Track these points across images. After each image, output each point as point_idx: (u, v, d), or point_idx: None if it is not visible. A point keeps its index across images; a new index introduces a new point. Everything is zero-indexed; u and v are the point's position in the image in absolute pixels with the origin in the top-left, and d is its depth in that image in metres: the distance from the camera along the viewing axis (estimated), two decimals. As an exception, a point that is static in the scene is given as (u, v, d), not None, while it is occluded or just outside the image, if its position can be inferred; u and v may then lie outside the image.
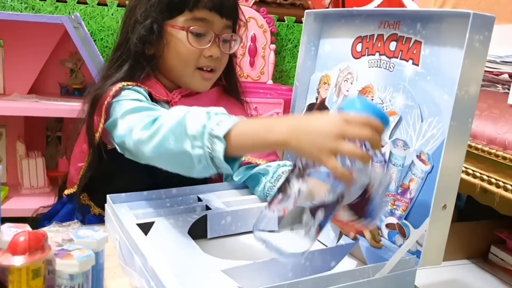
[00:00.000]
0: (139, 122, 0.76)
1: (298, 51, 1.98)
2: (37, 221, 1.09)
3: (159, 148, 0.71)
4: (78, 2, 1.73)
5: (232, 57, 1.03)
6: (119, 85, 0.87)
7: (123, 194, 0.88)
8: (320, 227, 0.61)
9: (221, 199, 0.91)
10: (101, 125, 0.87)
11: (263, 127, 0.65)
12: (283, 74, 2.00)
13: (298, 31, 1.98)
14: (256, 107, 1.56)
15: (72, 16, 1.60)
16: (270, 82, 1.90)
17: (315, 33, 0.99)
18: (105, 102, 0.86)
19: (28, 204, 1.43)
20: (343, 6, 1.87)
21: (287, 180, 0.63)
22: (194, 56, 0.93)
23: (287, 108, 1.60)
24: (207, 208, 0.88)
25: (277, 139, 0.62)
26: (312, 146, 0.59)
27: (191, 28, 0.90)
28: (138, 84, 0.90)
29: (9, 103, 1.44)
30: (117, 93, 0.86)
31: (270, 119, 0.64)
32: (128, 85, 0.88)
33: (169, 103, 0.94)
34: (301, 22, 1.98)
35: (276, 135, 0.62)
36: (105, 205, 0.88)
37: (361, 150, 0.59)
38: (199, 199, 0.92)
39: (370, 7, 0.91)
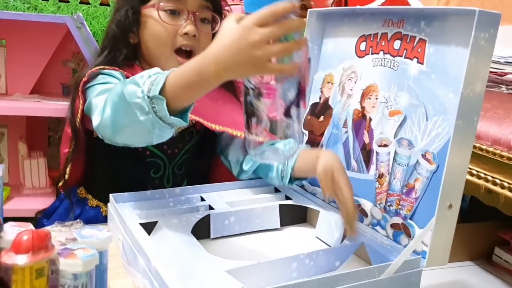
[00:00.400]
0: (100, 104, 0.78)
1: (300, 51, 1.98)
2: (37, 219, 1.09)
3: (115, 126, 0.74)
4: (80, 2, 1.73)
5: None
6: (95, 68, 0.90)
7: (126, 194, 0.88)
8: (299, 119, 0.65)
9: (225, 199, 0.91)
10: (80, 108, 0.89)
11: (192, 73, 0.65)
12: (285, 74, 1.99)
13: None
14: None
15: (75, 16, 1.60)
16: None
17: (318, 32, 0.99)
18: (81, 86, 0.89)
19: (30, 204, 1.44)
20: (346, 6, 1.86)
21: (250, 104, 0.64)
22: (169, 35, 0.93)
23: (289, 108, 1.59)
24: (210, 208, 0.88)
25: (209, 79, 0.64)
26: (245, 67, 0.60)
27: (161, 4, 0.92)
28: (116, 68, 0.91)
29: (11, 103, 1.44)
30: (92, 77, 0.89)
31: (196, 60, 0.65)
32: (104, 68, 0.90)
33: None
34: (304, 22, 1.97)
35: (207, 77, 0.63)
36: (108, 204, 0.88)
37: (285, 44, 0.59)
38: (202, 199, 0.92)
39: (374, 5, 0.90)
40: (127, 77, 0.90)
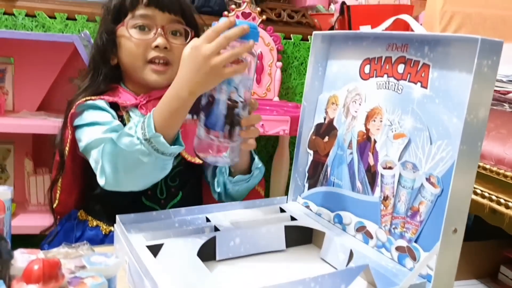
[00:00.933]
0: (98, 160, 0.87)
1: (304, 68, 2.01)
2: (38, 242, 1.11)
3: (121, 180, 0.85)
4: (87, 20, 1.75)
5: None
6: (82, 100, 0.96)
7: (132, 215, 0.88)
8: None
9: (230, 219, 0.91)
10: (69, 138, 0.97)
11: (172, 99, 0.78)
12: (289, 91, 2.01)
13: (304, 48, 1.99)
14: (262, 125, 1.56)
15: (82, 34, 1.62)
16: (276, 99, 1.91)
17: (322, 54, 1.00)
18: (69, 118, 0.96)
19: (35, 221, 1.44)
20: (349, 25, 1.88)
21: (238, 116, 0.80)
22: (141, 49, 0.98)
23: (293, 125, 1.60)
24: (216, 229, 0.88)
25: (187, 99, 0.77)
26: (209, 78, 0.74)
27: (130, 21, 0.97)
28: (101, 97, 0.97)
29: (17, 120, 1.45)
30: (79, 111, 0.96)
31: (171, 89, 0.78)
32: (90, 99, 0.96)
33: (137, 107, 1.00)
34: (307, 40, 2.00)
35: (185, 97, 0.77)
36: (114, 225, 0.88)
37: (232, 51, 0.73)
38: (208, 220, 0.92)
39: (378, 30, 0.91)
40: (111, 104, 0.97)
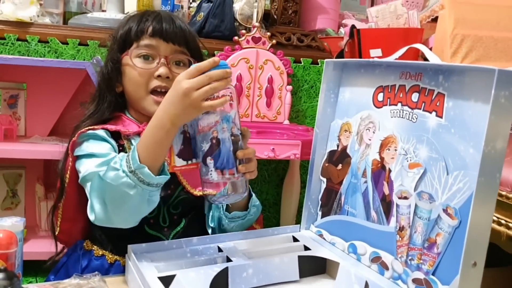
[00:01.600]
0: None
1: (314, 91, 2.01)
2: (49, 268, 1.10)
3: (109, 215, 0.85)
4: (99, 45, 1.77)
5: None
6: (85, 128, 0.97)
7: (143, 245, 0.88)
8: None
9: (242, 249, 0.90)
10: (70, 166, 0.98)
11: (154, 130, 0.81)
12: (299, 114, 2.00)
13: (314, 72, 1.99)
14: (273, 149, 1.56)
15: (94, 60, 1.63)
16: (286, 122, 1.90)
17: (334, 81, 1.00)
18: (70, 146, 0.98)
19: (45, 247, 1.42)
20: (359, 48, 1.88)
21: (241, 148, 0.84)
22: (144, 78, 0.99)
23: (304, 149, 1.59)
24: (228, 259, 0.87)
25: (169, 129, 0.80)
26: (188, 110, 0.78)
27: (134, 51, 0.99)
28: (103, 126, 0.98)
29: (29, 146, 1.46)
30: (80, 140, 0.97)
31: (153, 120, 0.82)
32: (93, 129, 0.97)
33: (140, 135, 1.00)
34: (317, 63, 2.00)
35: (166, 127, 0.80)
36: (126, 255, 0.87)
37: (210, 85, 0.77)
38: (220, 249, 0.91)
39: (390, 59, 0.91)
40: (113, 132, 0.99)
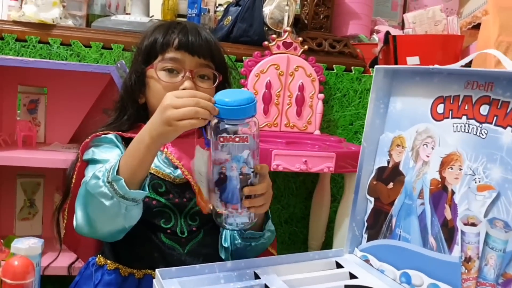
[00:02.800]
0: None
1: (347, 100, 1.91)
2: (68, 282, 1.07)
3: (88, 223, 0.84)
4: (123, 49, 1.70)
5: None
6: (100, 132, 0.98)
7: (173, 269, 0.79)
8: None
9: (282, 277, 0.81)
10: (77, 166, 0.98)
11: (135, 145, 0.80)
12: (330, 124, 1.90)
13: (347, 79, 1.89)
14: (306, 161, 1.46)
15: (118, 65, 1.55)
16: (317, 132, 1.81)
17: (384, 89, 0.90)
18: (81, 147, 0.98)
19: (63, 261, 1.34)
20: (395, 55, 1.79)
21: (251, 184, 0.80)
22: (168, 91, 0.92)
23: (339, 162, 1.49)
24: (266, 287, 0.78)
25: (149, 145, 0.78)
26: (164, 131, 0.76)
27: (159, 64, 0.98)
28: (118, 132, 0.98)
29: (48, 154, 1.38)
30: (92, 144, 0.98)
31: (138, 135, 0.81)
32: (107, 133, 0.98)
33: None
34: (350, 71, 1.90)
35: (146, 143, 0.78)
36: (154, 280, 0.79)
37: (190, 108, 0.74)
38: (256, 275, 0.82)
39: (455, 66, 0.81)
40: (128, 138, 0.95)
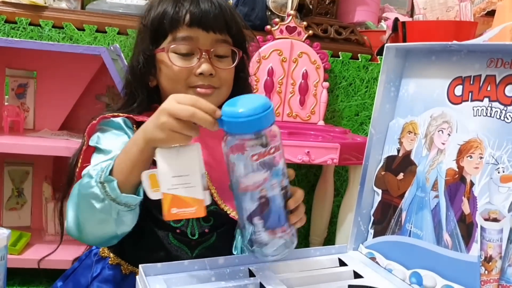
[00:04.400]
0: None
1: (353, 90, 1.83)
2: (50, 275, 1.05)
3: (78, 225, 0.77)
4: (118, 33, 1.62)
5: (243, 77, 0.95)
6: (109, 114, 0.88)
7: (158, 265, 0.72)
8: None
9: (279, 275, 0.73)
10: (82, 152, 0.89)
11: (130, 145, 0.73)
12: (335, 114, 1.82)
13: (353, 68, 1.81)
14: (308, 152, 1.38)
15: (111, 47, 1.48)
16: (321, 122, 1.73)
17: (396, 71, 0.82)
18: (88, 129, 0.88)
19: (61, 254, 1.27)
20: (404, 42, 1.70)
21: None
22: (182, 76, 0.87)
23: (343, 153, 1.42)
24: (262, 287, 0.70)
25: (142, 147, 0.71)
26: (157, 134, 0.68)
27: (171, 47, 0.86)
28: (128, 115, 0.89)
29: (37, 141, 1.32)
30: (99, 127, 0.89)
31: (133, 135, 0.74)
32: (117, 116, 0.88)
33: None
34: (357, 59, 1.82)
35: (140, 144, 0.71)
36: (137, 277, 0.72)
37: (182, 124, 0.66)
38: (251, 273, 0.74)
39: (478, 41, 0.73)
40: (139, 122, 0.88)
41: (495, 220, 0.63)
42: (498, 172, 0.64)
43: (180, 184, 0.68)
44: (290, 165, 1.72)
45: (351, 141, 1.49)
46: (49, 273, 1.29)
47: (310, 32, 1.69)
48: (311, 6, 1.86)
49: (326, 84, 1.71)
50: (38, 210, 1.47)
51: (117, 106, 0.94)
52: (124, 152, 0.74)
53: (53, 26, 1.58)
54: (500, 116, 0.65)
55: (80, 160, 0.90)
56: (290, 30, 1.66)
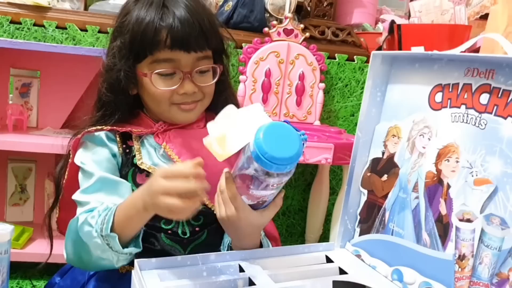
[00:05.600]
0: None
1: (348, 91, 1.86)
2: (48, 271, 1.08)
3: (81, 263, 0.84)
4: (119, 34, 1.66)
5: (224, 79, 0.96)
6: (92, 128, 0.89)
7: (153, 260, 0.75)
8: None
9: (267, 271, 0.77)
10: (68, 167, 0.91)
11: (130, 207, 0.77)
12: (331, 115, 1.86)
13: (349, 69, 1.84)
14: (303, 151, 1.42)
15: (112, 49, 1.52)
16: (317, 122, 1.76)
17: (382, 77, 0.86)
18: (72, 146, 0.91)
19: (54, 247, 1.32)
20: (400, 45, 1.73)
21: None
22: (166, 96, 0.88)
23: (337, 153, 1.45)
24: (251, 282, 0.74)
25: (142, 213, 0.75)
26: (157, 209, 0.72)
27: (155, 71, 0.86)
28: (113, 127, 0.89)
29: (40, 139, 1.36)
30: (82, 142, 0.91)
31: (132, 198, 0.78)
32: (101, 129, 0.89)
33: (154, 134, 0.92)
34: (353, 60, 1.85)
35: (140, 210, 0.75)
36: (132, 272, 0.75)
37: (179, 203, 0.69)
38: (241, 269, 0.78)
39: (455, 51, 0.76)
40: (126, 132, 0.90)
41: (469, 220, 0.67)
42: (472, 176, 0.67)
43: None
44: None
45: (345, 141, 1.52)
46: (48, 267, 1.34)
47: (307, 34, 1.72)
48: (309, 8, 1.89)
49: (322, 85, 1.75)
50: (40, 205, 1.52)
51: (96, 117, 0.93)
52: (124, 211, 0.77)
53: (57, 27, 1.62)
54: (475, 123, 0.69)
55: (66, 173, 0.92)
56: (288, 32, 1.70)
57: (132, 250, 0.79)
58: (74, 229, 0.82)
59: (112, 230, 0.76)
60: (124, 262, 0.81)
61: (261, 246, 0.88)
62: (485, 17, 1.81)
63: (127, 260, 0.81)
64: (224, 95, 0.97)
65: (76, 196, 0.87)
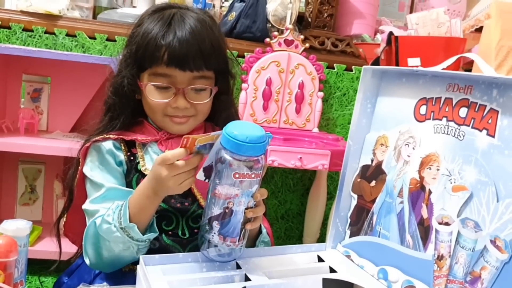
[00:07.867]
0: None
1: (346, 100, 1.93)
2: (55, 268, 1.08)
3: (103, 263, 0.90)
4: (127, 42, 1.72)
5: (227, 98, 1.01)
6: (100, 137, 0.94)
7: (157, 256, 0.81)
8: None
9: (262, 268, 0.83)
10: (78, 173, 0.96)
11: (142, 197, 0.83)
12: (329, 122, 1.92)
13: (347, 79, 1.91)
14: (300, 158, 1.48)
15: (120, 56, 1.58)
16: (315, 130, 1.82)
17: (372, 90, 0.92)
18: (81, 155, 0.96)
19: (62, 246, 1.38)
20: (397, 56, 1.79)
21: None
22: (160, 107, 0.93)
23: (334, 159, 1.51)
24: (247, 278, 0.80)
25: (153, 199, 0.83)
26: (168, 192, 0.82)
27: (151, 83, 0.92)
28: (119, 136, 0.94)
29: (50, 142, 1.42)
30: (91, 151, 0.96)
31: (143, 188, 0.84)
32: (107, 138, 0.94)
33: (157, 142, 0.97)
34: (351, 70, 1.91)
35: (151, 197, 0.83)
36: (137, 267, 0.81)
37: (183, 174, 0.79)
38: (238, 266, 0.84)
39: (437, 68, 0.83)
40: (130, 140, 0.95)
41: (447, 224, 0.73)
42: (451, 183, 0.73)
43: None
44: (284, 169, 1.81)
45: (342, 148, 1.57)
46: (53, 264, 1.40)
47: (307, 45, 1.79)
48: (310, 19, 1.96)
49: (321, 94, 1.81)
50: (49, 205, 1.58)
51: (103, 121, 0.98)
52: (136, 202, 0.84)
53: (67, 34, 1.69)
54: (454, 134, 0.75)
55: (77, 178, 0.96)
56: (288, 43, 1.76)
57: (151, 235, 0.86)
58: (92, 233, 0.88)
59: (129, 221, 0.83)
60: (143, 251, 0.88)
61: (260, 231, 0.95)
62: (480, 30, 1.87)
63: (146, 247, 0.88)
64: (224, 115, 1.00)
65: (86, 205, 0.93)
